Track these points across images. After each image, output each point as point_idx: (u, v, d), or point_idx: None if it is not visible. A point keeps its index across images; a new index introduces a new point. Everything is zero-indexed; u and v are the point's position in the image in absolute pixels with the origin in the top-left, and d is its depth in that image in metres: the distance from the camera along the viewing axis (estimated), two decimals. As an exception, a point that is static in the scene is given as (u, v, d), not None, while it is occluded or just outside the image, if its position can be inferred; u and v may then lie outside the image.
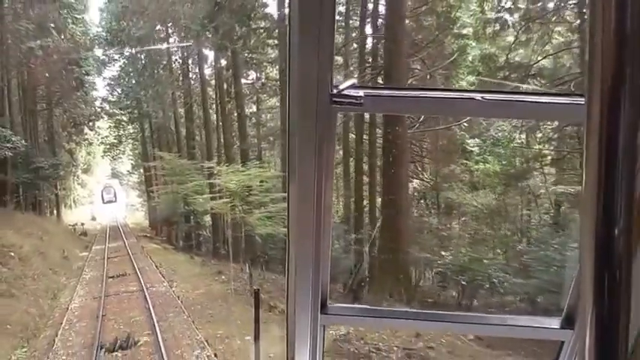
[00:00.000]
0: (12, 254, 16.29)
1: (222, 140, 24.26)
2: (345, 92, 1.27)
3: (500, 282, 13.71)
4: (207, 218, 25.89)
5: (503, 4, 16.22)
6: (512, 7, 15.83)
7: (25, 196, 25.73)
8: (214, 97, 25.95)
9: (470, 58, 17.82)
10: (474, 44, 17.55)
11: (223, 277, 17.29)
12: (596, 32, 0.58)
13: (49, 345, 10.75)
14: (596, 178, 0.60)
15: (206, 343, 9.98)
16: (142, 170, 35.43)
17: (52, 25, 20.56)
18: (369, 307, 1.79)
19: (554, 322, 1.66)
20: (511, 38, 16.13)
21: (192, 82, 27.34)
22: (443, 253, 14.51)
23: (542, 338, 1.80)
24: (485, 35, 17.37)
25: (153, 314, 11.84)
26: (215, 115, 25.72)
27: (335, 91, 1.26)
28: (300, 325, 1.60)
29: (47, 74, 21.25)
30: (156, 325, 11.02)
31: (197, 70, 26.62)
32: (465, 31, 17.69)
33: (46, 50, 18.33)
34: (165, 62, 27.67)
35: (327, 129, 1.30)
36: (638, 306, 0.60)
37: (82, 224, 32.48)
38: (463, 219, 18.15)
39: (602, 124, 0.59)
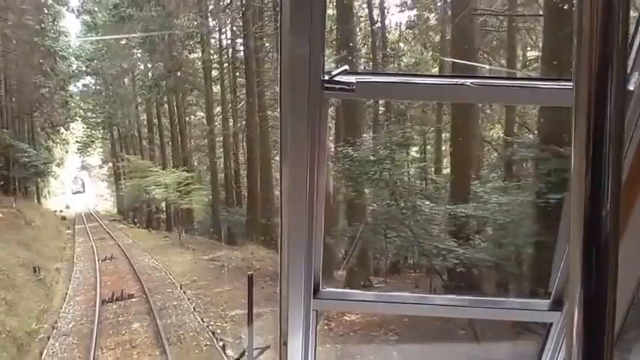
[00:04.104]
0: (34, 224, 27.49)
1: (170, 145, 35.84)
2: (337, 78, 1.31)
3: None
4: (163, 204, 37.35)
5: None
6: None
7: (19, 188, 36.41)
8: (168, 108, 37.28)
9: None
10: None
11: (167, 239, 29.00)
12: (584, 15, 0.62)
13: (70, 264, 22.42)
14: (584, 159, 0.63)
15: (152, 258, 21.85)
16: (111, 164, 45.86)
17: (49, 68, 31.47)
18: (361, 292, 1.87)
19: (543, 304, 1.72)
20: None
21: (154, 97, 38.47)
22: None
23: (530, 320, 1.82)
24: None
25: (124, 251, 23.59)
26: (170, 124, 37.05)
27: (327, 77, 1.30)
28: (292, 309, 1.66)
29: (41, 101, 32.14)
30: (126, 253, 22.86)
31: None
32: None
33: (50, 91, 29.27)
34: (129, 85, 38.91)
35: (318, 114, 1.33)
36: (625, 285, 0.64)
37: (61, 211, 43.10)
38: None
39: (590, 107, 0.62)
